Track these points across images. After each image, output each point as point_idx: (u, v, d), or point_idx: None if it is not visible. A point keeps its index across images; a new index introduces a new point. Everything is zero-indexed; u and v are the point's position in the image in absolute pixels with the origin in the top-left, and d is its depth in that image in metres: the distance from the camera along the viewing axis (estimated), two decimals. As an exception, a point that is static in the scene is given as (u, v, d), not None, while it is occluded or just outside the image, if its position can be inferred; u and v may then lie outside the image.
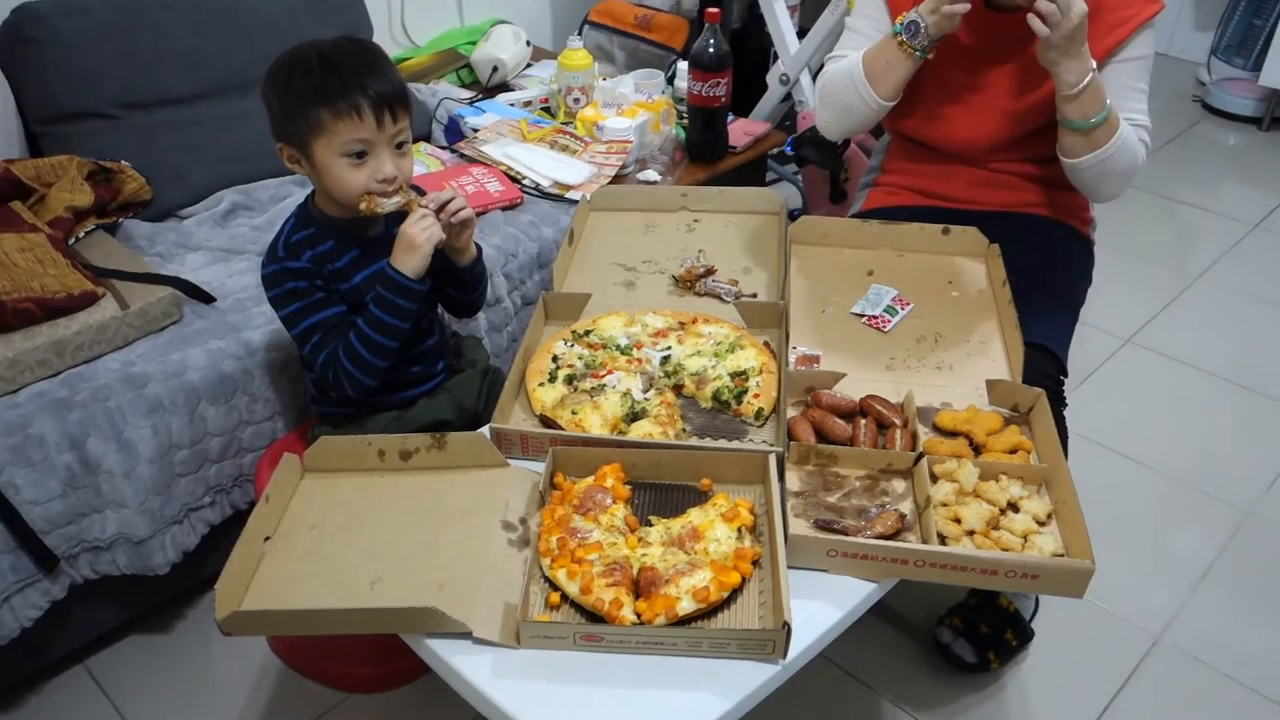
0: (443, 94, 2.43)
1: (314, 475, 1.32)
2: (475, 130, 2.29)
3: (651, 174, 2.24)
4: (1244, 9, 3.73)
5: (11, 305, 1.53)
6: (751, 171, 2.44)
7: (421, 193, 1.46)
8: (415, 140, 2.28)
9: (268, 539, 1.21)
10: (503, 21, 2.72)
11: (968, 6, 1.50)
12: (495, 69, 2.58)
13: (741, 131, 2.42)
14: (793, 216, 2.97)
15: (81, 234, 1.78)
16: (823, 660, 1.77)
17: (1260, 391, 2.42)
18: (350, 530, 1.23)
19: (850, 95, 1.68)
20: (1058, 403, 1.57)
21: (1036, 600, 1.83)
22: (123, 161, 1.90)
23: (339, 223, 1.46)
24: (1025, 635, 1.76)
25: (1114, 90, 1.60)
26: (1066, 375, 1.61)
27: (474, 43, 2.70)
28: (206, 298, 1.72)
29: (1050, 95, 1.57)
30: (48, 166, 1.80)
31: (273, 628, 1.15)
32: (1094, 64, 1.49)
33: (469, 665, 1.07)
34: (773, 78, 2.64)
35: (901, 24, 1.57)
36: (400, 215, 1.43)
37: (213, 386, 1.61)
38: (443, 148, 2.27)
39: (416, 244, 1.40)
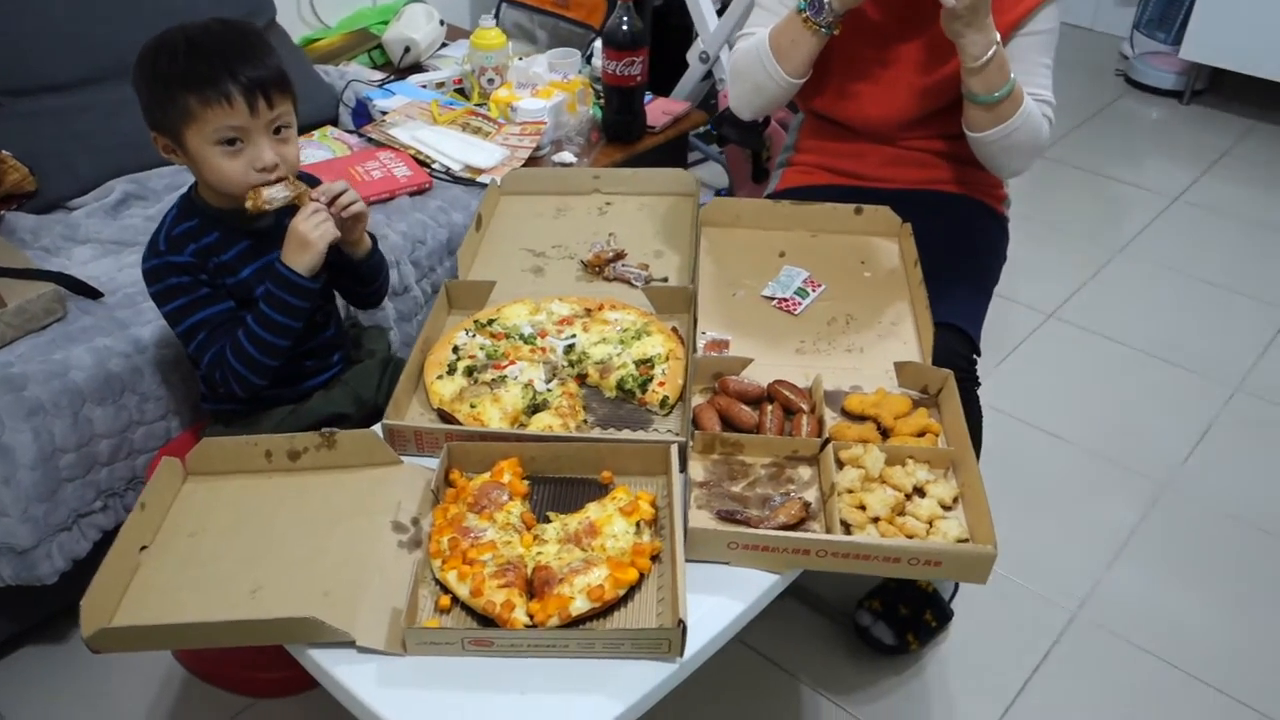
0: (351, 76, 2.35)
1: (197, 479, 1.26)
2: (384, 113, 2.21)
3: (567, 155, 2.19)
4: (1164, -17, 3.76)
5: (-125, 306, 1.44)
6: (671, 152, 2.40)
7: (314, 183, 1.39)
8: (321, 124, 2.23)
9: (144, 548, 1.15)
10: (416, 0, 2.64)
11: None
12: (408, 49, 2.51)
13: (660, 111, 2.37)
14: (718, 195, 2.95)
15: (-42, 228, 1.69)
16: (740, 645, 1.75)
17: (1180, 365, 2.45)
18: (232, 536, 1.17)
19: (759, 73, 1.64)
20: (970, 382, 1.55)
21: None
22: (3, 151, 1.80)
23: (224, 213, 1.39)
24: (944, 615, 1.76)
25: (1019, 65, 1.58)
26: (979, 354, 1.59)
27: (386, 22, 2.61)
28: (93, 293, 1.64)
29: (959, 66, 1.55)
30: (-80, 157, 1.71)
31: (146, 643, 1.09)
32: (998, 37, 1.47)
33: (352, 676, 1.02)
34: (693, 56, 2.60)
35: (803, 3, 1.53)
36: (291, 209, 1.36)
37: (99, 386, 1.53)
38: (350, 131, 2.20)
39: (309, 241, 1.34)
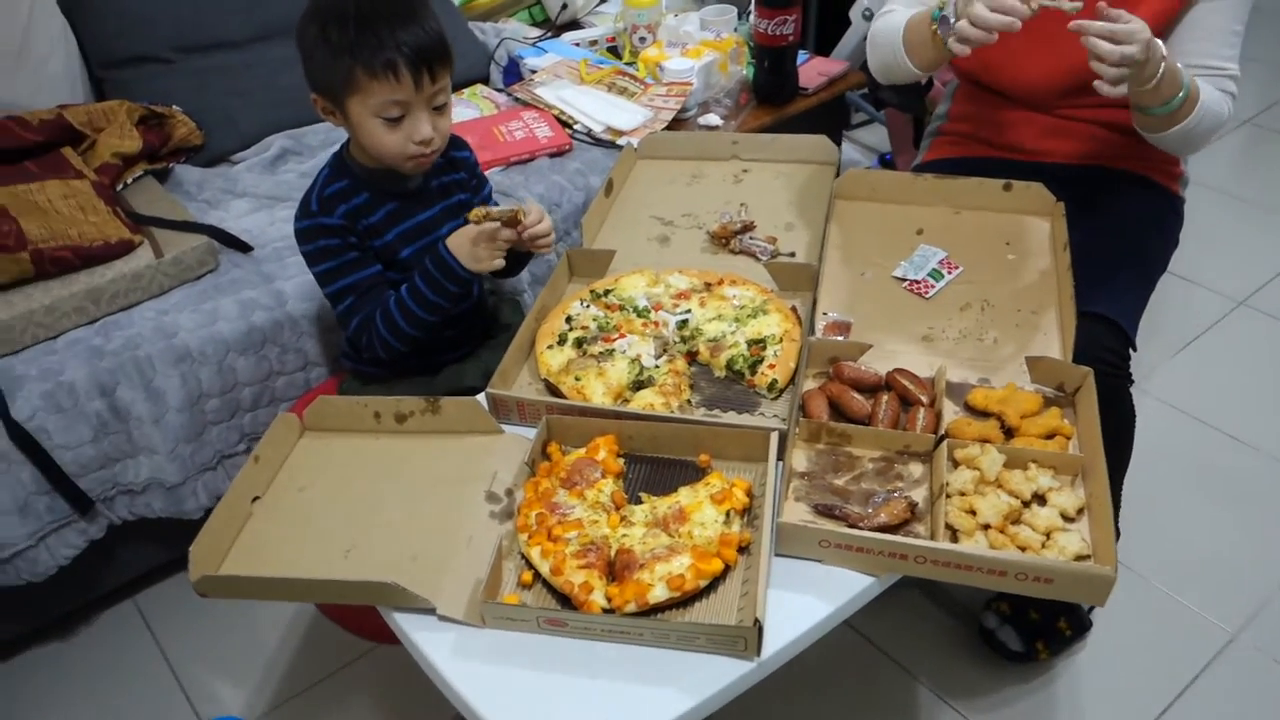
0: (507, 33, 2.36)
1: (312, 435, 1.30)
2: (534, 72, 2.22)
3: (713, 118, 2.13)
4: None
5: (49, 253, 1.56)
6: (825, 115, 2.30)
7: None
8: (472, 82, 2.25)
9: (256, 499, 1.21)
10: (577, -45, 2.62)
11: (967, 51, 1.32)
12: (565, 5, 2.50)
13: (815, 72, 2.27)
14: (884, 160, 2.81)
15: (130, 180, 1.80)
16: (855, 635, 1.69)
17: (1392, 363, 2.17)
18: (336, 494, 1.21)
19: (890, 57, 1.56)
20: (1122, 380, 1.43)
21: (1099, 587, 1.69)
22: (174, 106, 1.91)
23: (374, 174, 1.42)
24: (1081, 625, 1.64)
25: (1204, 33, 1.42)
26: (1134, 350, 1.45)
27: (546, -22, 2.61)
28: (244, 247, 1.73)
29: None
30: (99, 112, 1.83)
31: (245, 592, 1.15)
32: (1163, 49, 1.30)
33: (429, 642, 1.04)
34: (855, 13, 2.47)
35: (938, 12, 1.41)
36: (449, 164, 1.45)
37: (241, 337, 1.62)
38: (499, 90, 2.22)
39: (480, 262, 1.36)
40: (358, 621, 1.73)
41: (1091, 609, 1.66)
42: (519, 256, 1.52)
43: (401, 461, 1.25)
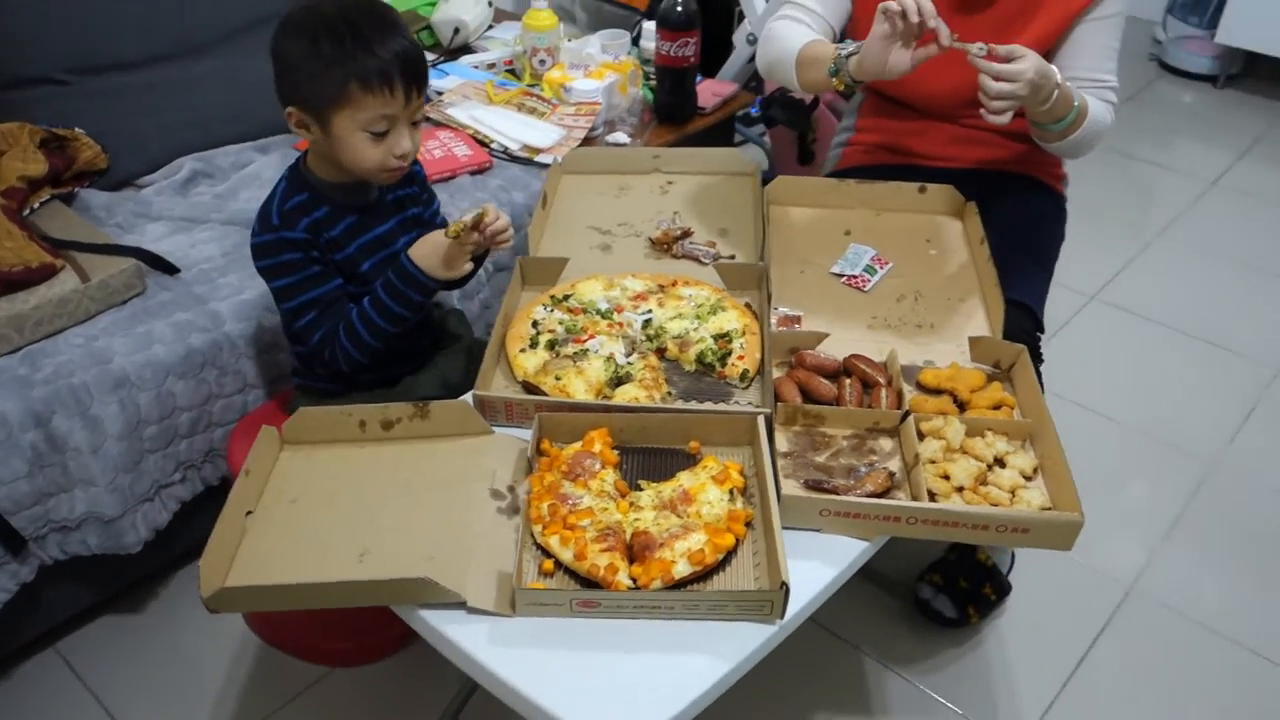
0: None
1: (292, 448, 1.29)
2: (439, 93, 2.23)
3: (621, 136, 2.20)
4: (1199, -33, 3.76)
5: (-34, 280, 1.47)
6: (719, 133, 2.41)
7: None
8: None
9: (249, 513, 1.18)
10: (463, -18, 2.65)
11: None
12: (457, 30, 2.52)
13: (710, 92, 2.38)
14: (765, 179, 2.96)
15: (37, 205, 1.71)
16: (806, 620, 1.77)
17: (1222, 345, 2.46)
18: (331, 502, 1.21)
19: (781, 66, 1.64)
20: (1035, 359, 1.57)
21: (1012, 555, 1.85)
22: (76, 129, 1.83)
23: (335, 187, 1.41)
24: (1003, 589, 1.78)
25: (1086, 49, 1.60)
26: (1043, 331, 1.61)
27: (434, 4, 2.63)
28: (170, 269, 1.67)
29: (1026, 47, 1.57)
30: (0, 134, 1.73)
31: (259, 603, 1.12)
32: (1058, 76, 1.45)
33: (464, 635, 1.05)
34: (739, 38, 2.61)
35: (835, 70, 1.50)
36: (402, 179, 1.44)
37: (180, 360, 1.56)
38: (407, 112, 2.22)
39: (454, 266, 1.38)
40: (306, 647, 1.69)
41: (1008, 572, 1.81)
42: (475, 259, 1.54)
43: (393, 467, 1.25)
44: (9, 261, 1.51)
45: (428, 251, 1.38)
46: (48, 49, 1.88)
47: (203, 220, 1.82)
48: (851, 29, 1.75)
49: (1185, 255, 2.83)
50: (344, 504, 1.20)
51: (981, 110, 1.42)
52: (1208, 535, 1.96)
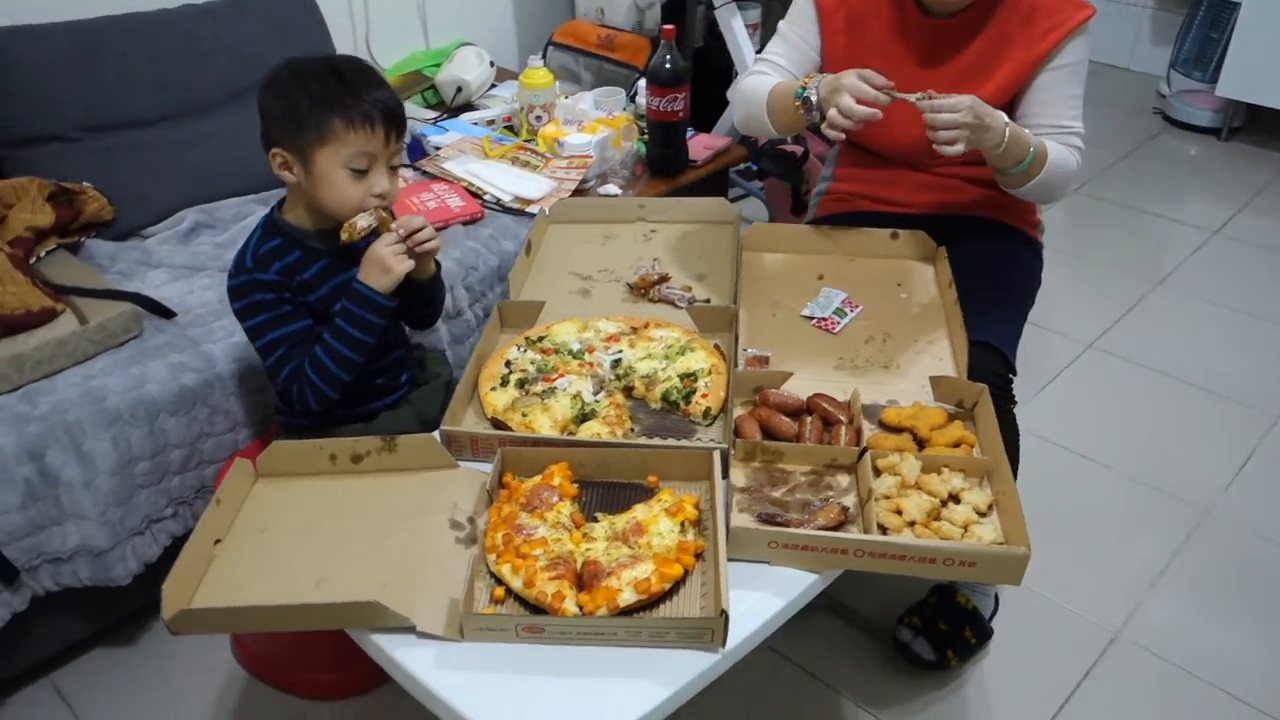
0: (407, 114, 2.46)
1: (266, 480, 1.33)
2: (437, 148, 2.32)
3: (612, 188, 2.27)
4: (1200, 22, 3.80)
5: (-30, 321, 1.54)
6: (712, 185, 2.47)
7: (391, 214, 1.48)
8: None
9: (218, 542, 1.23)
10: (467, 44, 2.76)
11: (843, 137, 1.52)
12: (459, 89, 2.62)
13: (702, 146, 2.45)
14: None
15: (43, 253, 1.80)
16: (782, 659, 1.79)
17: (1219, 393, 2.46)
18: (299, 532, 1.25)
19: (754, 114, 1.72)
20: (1006, 400, 1.59)
21: (996, 599, 1.85)
22: (84, 183, 1.92)
23: (307, 234, 1.48)
24: (984, 633, 1.78)
25: (1049, 97, 1.64)
26: (1015, 374, 1.63)
27: (439, 65, 2.73)
28: (167, 313, 1.74)
29: (986, 98, 1.61)
30: (9, 188, 1.82)
31: (219, 625, 1.16)
32: (1004, 119, 1.51)
33: (412, 659, 1.08)
34: (732, 93, 2.68)
35: (801, 92, 1.58)
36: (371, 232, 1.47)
37: (172, 399, 1.62)
38: (405, 165, 2.30)
39: (388, 266, 1.43)
40: (289, 679, 1.72)
41: (992, 617, 1.81)
42: (424, 301, 1.60)
43: (361, 498, 1.30)
44: (11, 305, 1.59)
45: (365, 269, 1.45)
46: (63, 109, 1.97)
47: (201, 268, 1.89)
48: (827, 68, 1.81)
49: (1185, 304, 2.83)
50: (310, 533, 1.25)
51: (935, 146, 1.47)
52: (1198, 582, 1.95)
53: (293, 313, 1.47)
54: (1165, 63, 4.00)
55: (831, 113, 1.51)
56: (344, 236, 1.41)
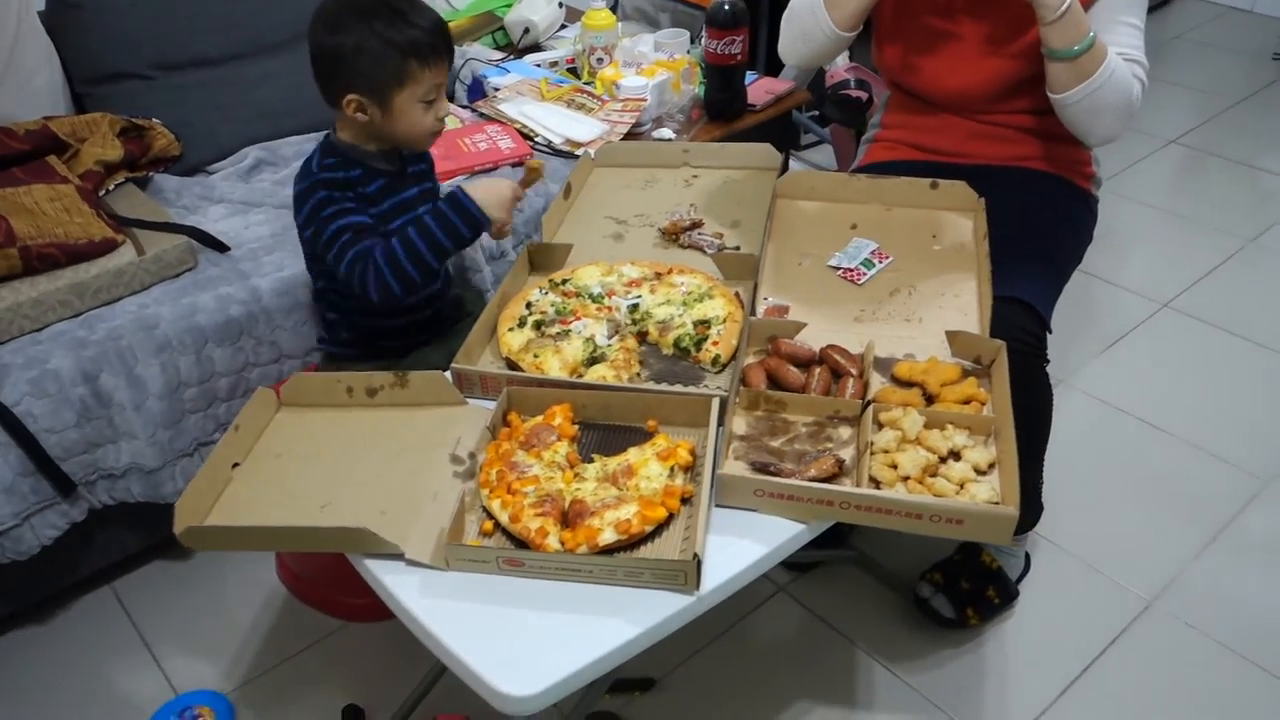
0: (471, 55, 2.49)
1: (288, 409, 1.40)
2: (496, 90, 2.34)
3: (666, 132, 2.26)
4: (1330, -39, 3.53)
5: (36, 250, 1.65)
6: (773, 129, 2.42)
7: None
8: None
9: (236, 465, 1.30)
10: (540, -17, 2.76)
11: None
12: (526, 30, 2.63)
13: (764, 90, 2.41)
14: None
15: (112, 186, 1.90)
16: (799, 608, 1.80)
17: (1297, 359, 2.33)
18: (311, 460, 1.31)
19: (808, 20, 1.66)
20: (1038, 359, 1.55)
21: (1028, 560, 1.82)
22: (154, 119, 2.01)
23: (366, 153, 1.53)
24: (1008, 594, 1.75)
25: (1105, 26, 1.56)
26: (1050, 331, 1.58)
27: (510, 5, 2.74)
28: (221, 246, 1.83)
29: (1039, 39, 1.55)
30: (83, 123, 1.93)
31: (225, 543, 1.24)
32: None
33: (398, 584, 1.14)
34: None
35: None
36: (415, 156, 1.60)
37: (219, 329, 1.71)
38: (463, 107, 2.34)
39: (505, 204, 1.53)
40: (327, 601, 1.82)
41: (1020, 579, 1.78)
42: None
43: (372, 431, 1.35)
44: (75, 235, 1.69)
45: (485, 191, 1.50)
46: (135, 48, 2.07)
47: (258, 204, 1.97)
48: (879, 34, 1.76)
49: (1274, 264, 2.67)
50: (321, 461, 1.31)
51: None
52: (1248, 554, 1.87)
53: (356, 208, 1.49)
54: (1289, 4, 3.74)
55: None
56: (533, 166, 1.57)
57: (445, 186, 1.72)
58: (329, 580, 1.81)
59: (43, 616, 1.83)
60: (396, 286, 1.47)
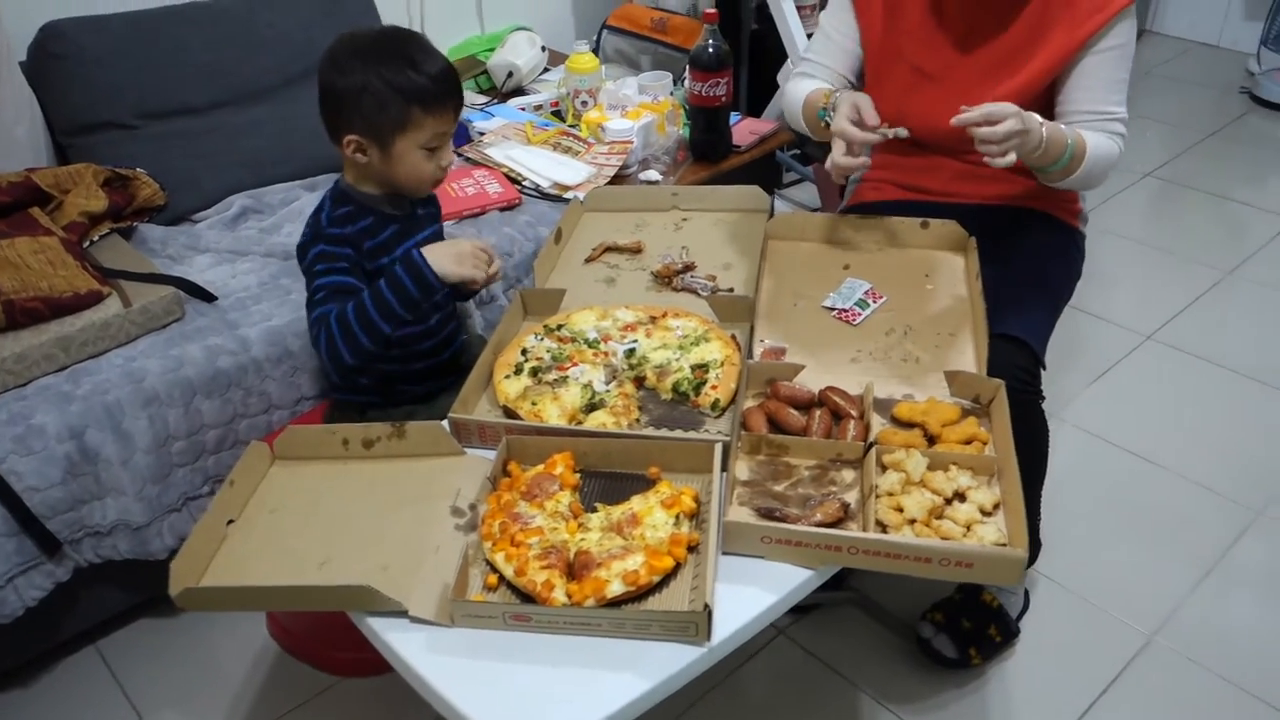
0: (456, 99, 2.49)
1: (282, 462, 1.37)
2: (482, 134, 2.34)
3: (653, 174, 2.27)
4: (1293, -3, 3.62)
5: (20, 304, 1.62)
6: (757, 170, 2.45)
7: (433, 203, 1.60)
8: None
9: (231, 522, 1.28)
10: (522, 28, 2.78)
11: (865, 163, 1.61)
12: (510, 74, 2.64)
13: (748, 131, 2.43)
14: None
15: (96, 237, 1.87)
16: (801, 651, 1.78)
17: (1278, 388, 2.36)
18: (308, 515, 1.28)
19: (797, 120, 1.78)
20: (1033, 395, 1.56)
21: (1026, 597, 1.81)
22: (138, 169, 1.99)
23: (377, 199, 1.52)
24: (1009, 632, 1.74)
25: (1091, 82, 1.59)
26: (1044, 368, 1.59)
27: (493, 49, 2.76)
28: (208, 296, 1.81)
29: (1027, 81, 1.58)
30: (66, 174, 1.91)
31: (223, 604, 1.21)
32: (1038, 119, 1.48)
33: (402, 642, 1.11)
34: (782, 77, 2.65)
35: (822, 114, 1.65)
36: (423, 200, 1.61)
37: (207, 381, 1.68)
38: (450, 151, 2.34)
39: (463, 262, 1.48)
40: (321, 656, 1.77)
41: (1020, 616, 1.77)
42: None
43: (369, 483, 1.33)
44: (60, 288, 1.66)
45: (439, 251, 1.48)
46: (121, 97, 2.06)
47: (245, 253, 1.96)
48: (867, 78, 1.79)
49: (1255, 295, 2.71)
50: (318, 516, 1.28)
51: (985, 159, 1.46)
52: (1244, 586, 1.88)
53: (346, 268, 1.48)
54: (1256, 39, 3.81)
55: (828, 163, 1.57)
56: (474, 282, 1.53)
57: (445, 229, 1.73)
58: (316, 633, 1.77)
59: (25, 680, 1.78)
60: (346, 352, 1.44)
